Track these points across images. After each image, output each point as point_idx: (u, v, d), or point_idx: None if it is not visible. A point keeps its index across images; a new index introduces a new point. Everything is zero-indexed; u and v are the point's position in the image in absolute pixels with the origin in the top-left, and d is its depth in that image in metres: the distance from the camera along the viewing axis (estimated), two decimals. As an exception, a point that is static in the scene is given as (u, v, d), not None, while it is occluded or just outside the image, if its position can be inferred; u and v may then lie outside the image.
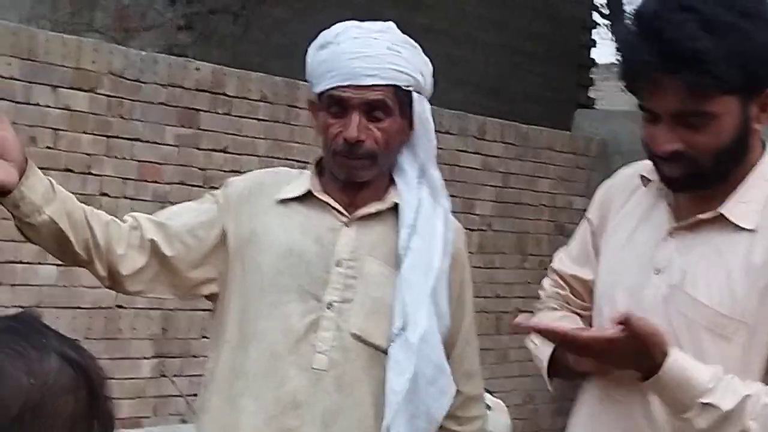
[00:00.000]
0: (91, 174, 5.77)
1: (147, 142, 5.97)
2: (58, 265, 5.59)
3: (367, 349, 2.45)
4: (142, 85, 5.95)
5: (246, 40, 9.17)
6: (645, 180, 2.25)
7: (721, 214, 2.12)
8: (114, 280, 2.48)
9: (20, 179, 2.29)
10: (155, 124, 6.01)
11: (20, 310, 1.45)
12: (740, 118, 2.07)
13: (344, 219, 2.51)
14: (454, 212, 7.82)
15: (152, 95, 5.99)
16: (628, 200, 2.28)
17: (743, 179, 2.14)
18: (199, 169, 6.22)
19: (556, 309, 2.37)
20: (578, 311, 2.35)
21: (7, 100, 5.41)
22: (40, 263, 5.52)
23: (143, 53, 6.17)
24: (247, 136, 6.39)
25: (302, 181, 2.55)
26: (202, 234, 2.51)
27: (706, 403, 2.01)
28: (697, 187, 2.14)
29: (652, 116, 2.09)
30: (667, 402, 2.06)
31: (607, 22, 13.36)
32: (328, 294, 2.46)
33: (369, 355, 2.45)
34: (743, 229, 2.10)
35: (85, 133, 5.72)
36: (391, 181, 2.52)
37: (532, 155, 8.27)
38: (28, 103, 5.50)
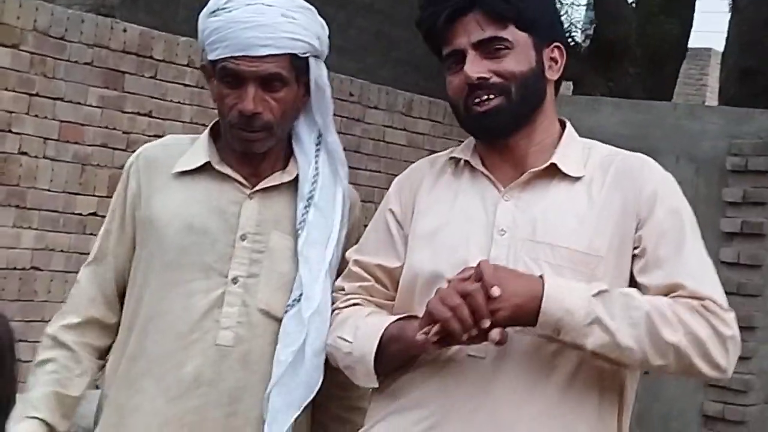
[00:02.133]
0: (11, 132, 5.65)
1: (70, 102, 5.87)
2: (-28, 223, 5.48)
3: (274, 324, 2.40)
4: (67, 43, 5.84)
5: (174, 4, 9.06)
6: (453, 161, 2.34)
7: (553, 164, 2.23)
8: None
9: None
10: (79, 84, 5.91)
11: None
12: (535, 57, 2.24)
13: (246, 191, 2.44)
14: (377, 187, 7.83)
15: (77, 55, 5.89)
16: (436, 182, 2.34)
17: (555, 141, 2.28)
18: (123, 132, 6.13)
19: (359, 305, 2.34)
20: (382, 302, 2.33)
21: (-74, 52, 5.28)
22: (-46, 221, 5.40)
23: (69, 11, 6.04)
24: (172, 101, 6.31)
25: (198, 151, 2.46)
26: (128, 256, 2.49)
27: (598, 292, 2.08)
28: (509, 123, 2.24)
29: (457, 57, 2.24)
30: (565, 317, 2.07)
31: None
32: (234, 269, 2.39)
33: (274, 330, 2.40)
34: (572, 177, 2.23)
35: (6, 90, 5.60)
36: (290, 149, 2.47)
37: (458, 134, 8.28)
38: (-53, 57, 5.38)
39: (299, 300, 2.38)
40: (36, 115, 5.74)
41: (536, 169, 2.24)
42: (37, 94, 5.74)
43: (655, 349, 2.09)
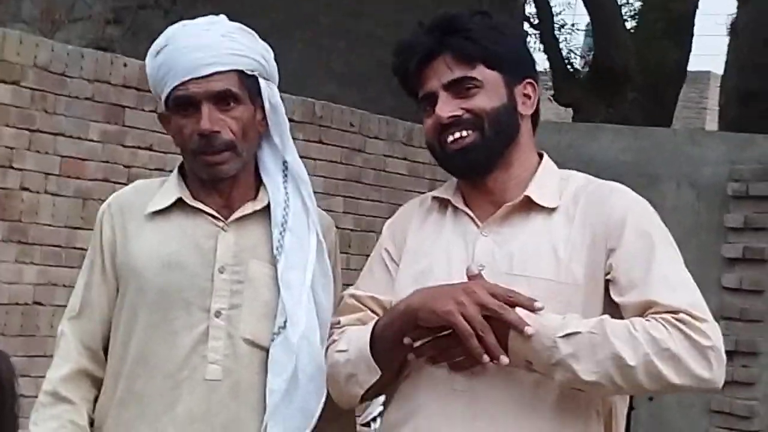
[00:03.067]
0: (12, 168, 5.66)
1: (71, 137, 5.88)
2: (-26, 260, 5.49)
3: (260, 353, 2.41)
4: (68, 79, 5.86)
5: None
6: (439, 200, 2.40)
7: (528, 198, 2.29)
8: None
9: None
10: (80, 119, 5.92)
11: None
12: (506, 94, 2.30)
13: (221, 223, 2.45)
14: (379, 217, 7.82)
15: (78, 90, 5.90)
16: (424, 221, 2.40)
17: (530, 175, 2.34)
18: (124, 166, 6.14)
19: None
20: None
21: (-73, 90, 5.30)
22: (-44, 258, 5.40)
23: (70, 47, 6.07)
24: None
25: (169, 190, 2.47)
26: (112, 306, 2.49)
27: (566, 334, 2.11)
28: (484, 160, 2.31)
29: (430, 99, 2.30)
30: (532, 359, 2.13)
31: (537, 32, 13.45)
32: (215, 302, 2.40)
33: (261, 359, 2.41)
34: (547, 208, 2.29)
35: (7, 126, 5.61)
36: (259, 180, 2.48)
37: (459, 163, 8.28)
38: (-52, 94, 5.39)
39: (284, 326, 2.39)
40: (37, 151, 5.75)
41: (511, 203, 2.30)
42: (38, 130, 5.75)
43: (624, 379, 2.12)
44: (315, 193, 7.23)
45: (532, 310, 2.14)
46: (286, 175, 2.48)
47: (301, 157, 7.77)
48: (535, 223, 2.28)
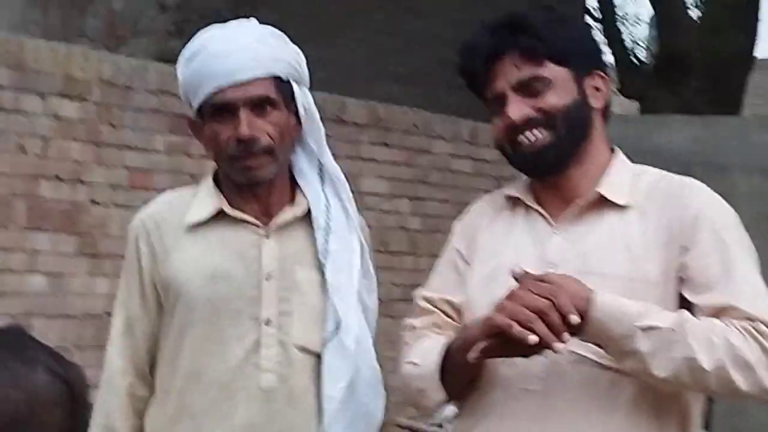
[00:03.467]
0: (81, 182, 5.73)
1: (137, 149, 5.94)
2: (47, 273, 5.57)
3: (312, 359, 2.40)
4: (132, 92, 5.92)
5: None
6: (510, 199, 2.35)
7: (600, 195, 2.25)
8: None
9: None
10: (145, 131, 5.98)
11: (8, 322, 1.44)
12: (576, 89, 2.27)
13: (262, 231, 2.44)
14: (446, 217, 7.80)
15: (142, 102, 5.96)
16: (495, 219, 2.36)
17: (603, 171, 2.29)
18: (190, 175, 6.19)
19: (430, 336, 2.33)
20: (452, 333, 2.31)
21: (-4, 108, 5.39)
22: (29, 272, 5.49)
23: (133, 60, 6.15)
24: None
25: (205, 200, 2.45)
26: (157, 323, 2.48)
27: (646, 327, 2.08)
28: (559, 159, 2.26)
29: (499, 100, 2.27)
30: (607, 342, 2.11)
31: (599, 25, 13.35)
32: (264, 310, 2.39)
33: (313, 365, 2.40)
34: (619, 206, 2.25)
35: (74, 140, 5.68)
36: (294, 183, 2.47)
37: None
38: (18, 111, 5.47)
39: (337, 331, 2.38)
40: (105, 164, 5.82)
41: (583, 200, 2.26)
42: (104, 143, 5.82)
43: (694, 380, 2.10)
44: (380, 195, 7.23)
45: (567, 323, 2.08)
46: (323, 179, 2.46)
47: (364, 159, 7.80)
48: (608, 220, 2.25)
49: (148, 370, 2.48)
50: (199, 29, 8.48)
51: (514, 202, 2.35)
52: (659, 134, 8.24)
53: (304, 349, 2.40)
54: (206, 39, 2.43)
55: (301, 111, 2.43)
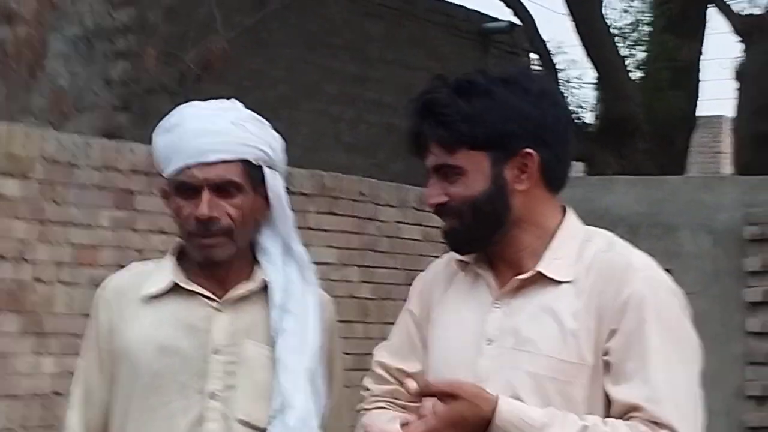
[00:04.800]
0: (25, 260, 5.68)
1: (82, 226, 5.91)
2: (-8, 354, 5.49)
3: None
4: (76, 168, 5.90)
5: (184, 119, 9.13)
6: (462, 263, 2.31)
7: (539, 272, 2.20)
8: None
9: None
10: (90, 207, 5.96)
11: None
12: (491, 175, 2.20)
13: (215, 305, 2.44)
14: (396, 284, 7.78)
15: (87, 178, 5.94)
16: (448, 286, 2.33)
17: (547, 242, 2.23)
18: (136, 250, 6.16)
19: (384, 408, 2.33)
20: (406, 404, 2.30)
21: (-64, 189, 5.34)
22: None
23: (76, 136, 6.13)
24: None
25: (164, 273, 2.46)
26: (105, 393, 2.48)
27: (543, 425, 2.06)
28: (468, 244, 2.24)
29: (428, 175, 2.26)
30: None
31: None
32: (210, 384, 2.39)
33: None
34: (561, 282, 2.19)
35: (17, 218, 5.64)
36: (256, 261, 2.47)
37: (473, 225, 8.27)
38: (-41, 191, 5.44)
39: (281, 409, 2.36)
40: (49, 242, 5.78)
41: (522, 276, 2.22)
42: (48, 221, 5.78)
43: None
44: (329, 264, 7.21)
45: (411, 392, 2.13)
46: (285, 259, 2.46)
47: (313, 229, 7.79)
48: (544, 296, 2.20)
49: None
50: (144, 103, 8.44)
51: (464, 265, 2.31)
52: (603, 195, 8.30)
53: (247, 424, 2.38)
54: (185, 114, 2.44)
55: (270, 195, 2.44)
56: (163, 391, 2.39)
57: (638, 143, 10.98)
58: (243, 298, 2.44)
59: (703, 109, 12.37)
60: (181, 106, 2.48)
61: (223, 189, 2.38)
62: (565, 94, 12.70)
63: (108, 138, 7.05)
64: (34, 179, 5.70)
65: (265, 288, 2.44)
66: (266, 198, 2.45)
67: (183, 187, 2.39)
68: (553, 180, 2.25)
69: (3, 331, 5.57)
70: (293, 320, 2.41)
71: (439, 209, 2.22)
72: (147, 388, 2.40)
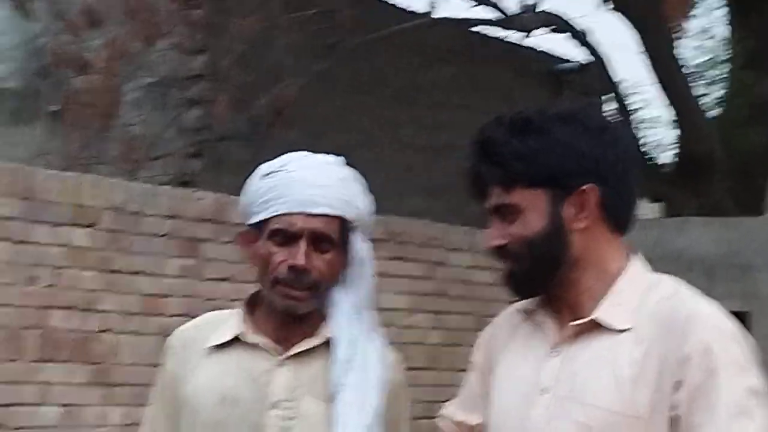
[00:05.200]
0: (94, 310, 5.72)
1: (149, 275, 5.94)
2: (60, 405, 5.52)
3: None
4: (144, 217, 5.94)
5: (257, 165, 9.19)
6: (524, 312, 2.26)
7: (593, 320, 2.13)
8: None
9: None
10: (157, 255, 5.98)
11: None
12: (548, 213, 2.14)
13: (278, 358, 2.42)
14: (467, 329, 7.70)
15: (154, 227, 5.98)
16: (512, 336, 2.27)
17: (608, 286, 2.16)
18: (204, 299, 6.17)
19: None
20: None
21: (5, 240, 5.40)
22: (41, 404, 5.45)
23: (145, 185, 6.17)
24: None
25: (232, 323, 2.46)
26: None
27: None
28: (527, 287, 2.19)
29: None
30: None
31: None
32: None
33: None
34: (619, 330, 2.11)
35: (85, 269, 5.69)
36: (323, 317, 2.44)
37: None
38: (28, 242, 5.49)
39: None
40: (117, 291, 5.81)
41: (577, 323, 2.15)
42: (116, 271, 5.81)
43: None
44: (398, 310, 7.14)
45: None
46: (354, 317, 2.42)
47: (381, 275, 7.74)
48: (601, 344, 2.12)
49: None
50: (217, 149, 8.49)
51: (526, 313, 2.26)
52: (678, 237, 8.16)
53: None
54: (292, 161, 2.44)
55: (354, 259, 2.43)
56: None
57: (717, 182, 10.79)
58: (306, 353, 2.42)
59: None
60: (289, 154, 2.47)
61: (318, 242, 2.37)
62: (638, 134, 12.56)
63: (182, 185, 7.12)
64: (102, 229, 5.74)
65: (328, 343, 2.42)
66: (346, 256, 2.43)
67: (280, 234, 2.37)
68: (616, 219, 2.18)
69: (71, 382, 5.60)
70: (355, 376, 2.38)
71: (499, 251, 2.16)
72: None
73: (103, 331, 5.75)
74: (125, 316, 5.82)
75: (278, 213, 2.37)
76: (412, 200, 10.96)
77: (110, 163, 9.02)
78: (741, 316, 7.92)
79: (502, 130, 2.18)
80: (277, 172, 2.43)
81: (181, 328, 2.56)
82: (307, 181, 2.39)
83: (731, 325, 2.12)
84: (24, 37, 10.05)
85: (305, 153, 2.48)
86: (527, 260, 2.15)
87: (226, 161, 9.21)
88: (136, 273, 5.89)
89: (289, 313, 2.39)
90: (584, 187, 2.13)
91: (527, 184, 2.13)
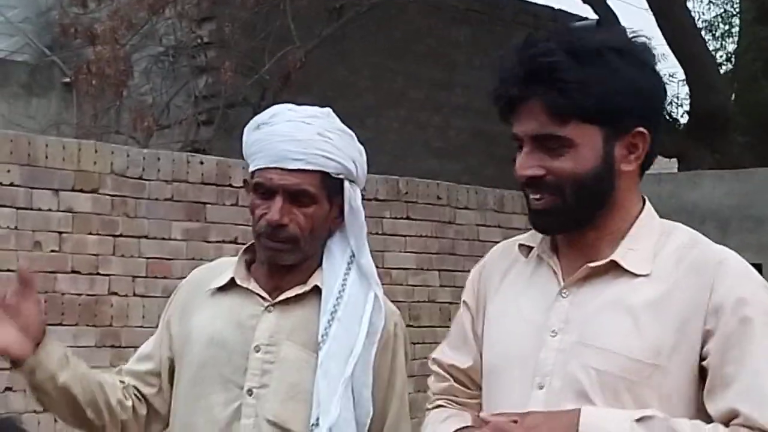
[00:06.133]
0: (99, 274, 5.78)
1: (154, 238, 5.99)
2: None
3: None
4: (147, 182, 5.98)
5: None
6: (524, 248, 2.17)
7: (613, 261, 2.04)
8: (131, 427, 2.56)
9: (37, 347, 2.39)
10: (161, 219, 6.03)
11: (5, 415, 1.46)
12: (602, 153, 2.02)
13: (265, 303, 2.48)
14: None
15: (157, 192, 6.02)
16: (507, 272, 2.19)
17: (626, 229, 2.07)
18: (210, 261, 6.21)
19: (443, 407, 2.25)
20: (465, 400, 2.23)
21: (9, 207, 5.46)
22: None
23: (145, 151, 6.21)
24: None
25: (230, 268, 2.53)
26: (161, 363, 2.57)
27: (642, 417, 1.91)
28: (563, 224, 2.08)
29: (518, 142, 2.07)
30: None
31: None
32: (248, 380, 2.43)
33: None
34: (637, 275, 2.02)
35: (90, 234, 5.74)
36: (320, 265, 2.49)
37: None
38: (31, 208, 5.55)
39: (319, 418, 2.37)
40: (122, 255, 5.86)
41: (594, 264, 2.05)
42: (121, 235, 5.87)
43: None
44: (408, 269, 7.15)
45: None
46: (349, 268, 2.48)
47: (389, 234, 7.71)
48: (618, 289, 2.02)
49: (137, 394, 2.56)
50: (227, 116, 8.48)
51: (528, 251, 2.16)
52: (692, 191, 8.14)
53: (275, 425, 2.40)
54: (276, 115, 2.48)
55: (346, 208, 2.47)
56: (207, 382, 2.45)
57: (734, 137, 10.72)
58: (294, 301, 2.47)
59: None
60: (278, 106, 2.51)
61: (297, 197, 2.40)
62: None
63: (193, 153, 7.15)
64: (105, 194, 5.80)
65: (318, 292, 2.46)
66: (341, 208, 2.47)
67: (259, 188, 2.43)
68: (648, 164, 2.10)
69: (81, 345, 5.67)
70: (341, 328, 2.42)
71: (533, 182, 2.04)
72: (194, 376, 2.47)
73: (110, 294, 5.81)
74: (131, 279, 5.88)
75: (259, 167, 2.43)
76: (428, 162, 10.95)
77: (123, 133, 9.07)
78: (755, 268, 7.86)
79: (562, 54, 2.01)
80: (264, 124, 2.47)
81: (199, 267, 2.67)
82: (285, 136, 2.41)
83: (758, 275, 2.05)
84: (35, 10, 10.11)
85: (291, 106, 2.49)
86: (572, 197, 2.03)
87: (236, 127, 9.23)
88: (141, 237, 5.95)
89: (272, 263, 2.45)
90: (640, 128, 2.03)
91: (584, 119, 2.00)
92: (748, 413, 1.90)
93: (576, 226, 2.07)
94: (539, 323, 2.08)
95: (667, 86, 2.15)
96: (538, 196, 2.04)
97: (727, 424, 1.93)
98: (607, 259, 2.04)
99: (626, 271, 2.03)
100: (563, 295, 2.08)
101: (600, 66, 2.00)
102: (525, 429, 1.93)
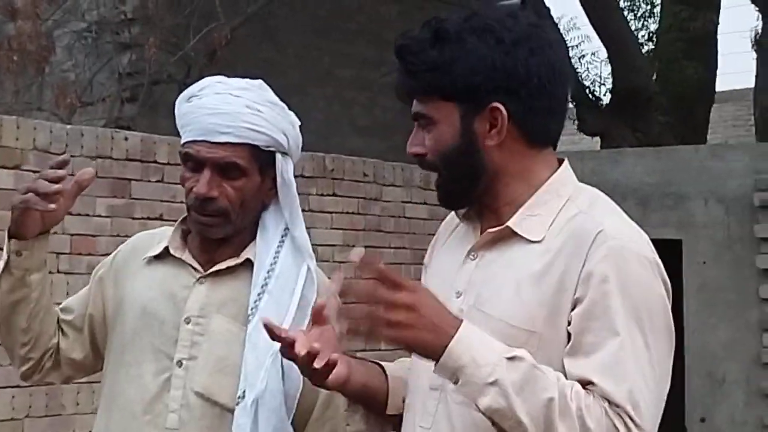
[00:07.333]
0: (22, 251, 5.71)
1: (78, 215, 5.93)
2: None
3: (213, 409, 2.40)
4: (70, 158, 5.92)
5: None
6: (458, 213, 2.24)
7: (508, 227, 2.10)
8: (38, 367, 2.57)
9: (39, 234, 2.45)
10: (86, 196, 5.97)
11: None
12: (460, 128, 2.09)
13: (197, 275, 2.48)
14: (403, 263, 7.74)
15: (81, 168, 5.95)
16: (449, 236, 2.27)
17: (528, 197, 2.12)
18: (135, 238, 6.18)
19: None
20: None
21: (-71, 183, 5.39)
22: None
23: (68, 126, 6.14)
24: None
25: (165, 237, 2.54)
26: (84, 320, 2.58)
27: (512, 356, 1.91)
28: (455, 198, 2.17)
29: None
30: (469, 370, 1.91)
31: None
32: (178, 352, 2.43)
33: (215, 415, 2.40)
34: (531, 241, 2.07)
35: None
36: (254, 238, 2.49)
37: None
38: (-48, 184, 5.48)
39: (245, 390, 2.38)
40: (46, 232, 5.80)
41: (493, 230, 2.11)
42: (44, 211, 5.81)
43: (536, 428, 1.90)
44: (334, 246, 7.13)
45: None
46: (282, 241, 2.47)
47: (315, 211, 7.71)
48: (512, 254, 2.08)
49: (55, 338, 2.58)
50: (152, 94, 8.37)
51: (463, 216, 2.22)
52: (613, 168, 8.26)
53: (202, 396, 2.41)
54: (205, 87, 2.47)
55: (279, 180, 2.45)
56: (138, 351, 2.45)
57: (656, 116, 10.88)
58: (226, 273, 2.47)
59: (734, 82, 12.23)
60: (208, 78, 2.50)
61: (226, 170, 2.39)
62: (577, 69, 12.60)
63: (117, 129, 7.09)
64: (27, 170, 5.72)
65: (250, 265, 2.46)
66: (275, 181, 2.46)
67: (188, 160, 2.43)
68: (535, 134, 2.13)
69: (3, 322, 5.61)
70: (271, 301, 2.41)
71: (420, 161, 2.14)
72: (126, 344, 2.47)
73: (32, 270, 5.75)
74: (55, 256, 5.82)
75: (188, 140, 2.43)
76: (353, 140, 10.97)
77: (45, 109, 8.96)
78: (675, 244, 8.04)
79: (417, 39, 2.11)
80: (193, 96, 2.47)
81: (142, 233, 2.68)
82: (213, 109, 2.40)
83: (641, 247, 2.06)
84: (-46, -15, 9.94)
85: (221, 78, 2.49)
86: (445, 173, 2.12)
87: (161, 105, 9.17)
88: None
89: (203, 236, 2.46)
90: (494, 104, 2.08)
91: (440, 96, 2.08)
92: (605, 387, 1.92)
93: (465, 198, 2.14)
94: (449, 284, 2.14)
95: (567, 55, 2.23)
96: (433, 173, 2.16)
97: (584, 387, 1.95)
98: (503, 226, 2.10)
99: (522, 237, 2.08)
100: (471, 257, 2.14)
101: (452, 46, 2.08)
102: (413, 298, 1.92)
